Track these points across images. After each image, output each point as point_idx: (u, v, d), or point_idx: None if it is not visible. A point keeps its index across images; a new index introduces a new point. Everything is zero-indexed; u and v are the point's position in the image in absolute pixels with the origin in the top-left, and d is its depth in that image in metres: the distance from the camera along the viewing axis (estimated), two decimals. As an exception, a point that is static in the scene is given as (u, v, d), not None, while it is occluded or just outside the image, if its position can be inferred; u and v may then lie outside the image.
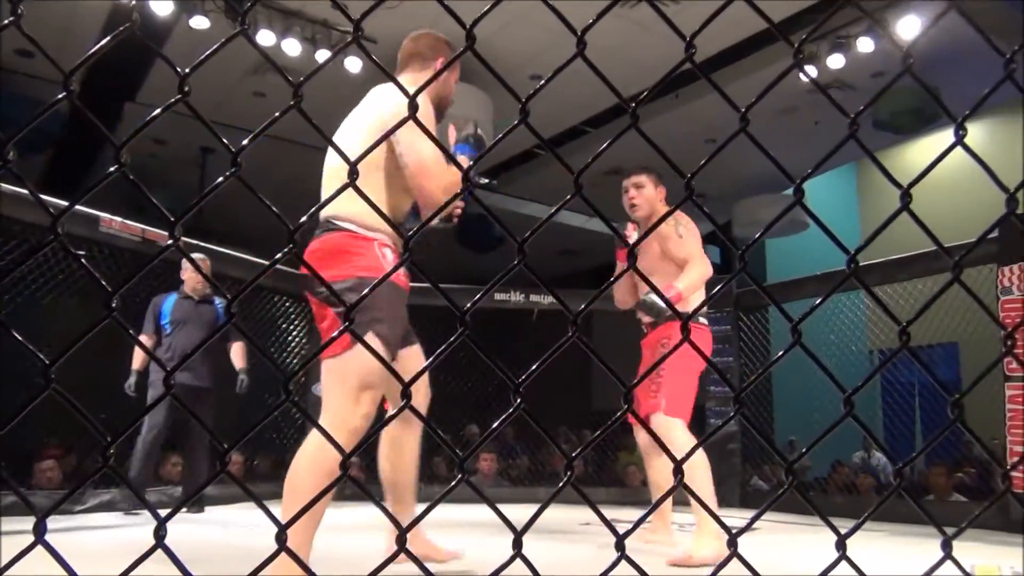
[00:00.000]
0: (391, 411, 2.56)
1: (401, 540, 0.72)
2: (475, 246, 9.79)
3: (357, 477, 5.45)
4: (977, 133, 9.23)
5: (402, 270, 2.21)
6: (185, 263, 4.83)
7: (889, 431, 6.65)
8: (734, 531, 0.80)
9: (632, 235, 3.31)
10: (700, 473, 2.98)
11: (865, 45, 6.74)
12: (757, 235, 0.99)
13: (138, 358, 4.62)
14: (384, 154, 2.22)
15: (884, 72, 7.18)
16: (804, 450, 0.98)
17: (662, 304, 2.71)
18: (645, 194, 3.36)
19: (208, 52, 0.73)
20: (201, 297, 4.93)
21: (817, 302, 0.86)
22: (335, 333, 2.03)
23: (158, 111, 0.74)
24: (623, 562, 0.75)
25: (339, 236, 2.17)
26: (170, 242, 0.68)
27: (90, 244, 4.72)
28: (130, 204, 4.86)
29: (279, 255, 0.75)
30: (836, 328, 5.86)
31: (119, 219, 4.88)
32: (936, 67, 6.09)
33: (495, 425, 0.83)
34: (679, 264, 3.15)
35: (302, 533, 1.92)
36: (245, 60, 7.00)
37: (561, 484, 0.76)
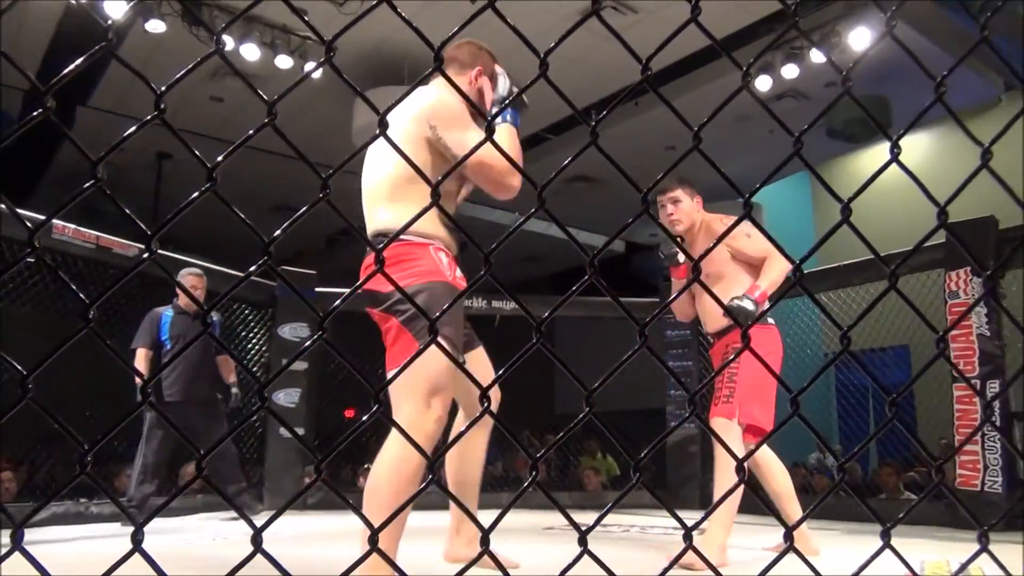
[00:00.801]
0: (461, 413, 2.50)
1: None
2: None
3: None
4: (927, 141, 9.50)
5: (459, 274, 2.19)
6: (181, 277, 4.81)
7: (844, 432, 6.79)
8: (691, 528, 0.82)
9: (679, 255, 3.21)
10: (731, 481, 2.76)
11: (817, 56, 6.91)
12: (711, 245, 1.02)
13: (143, 368, 4.61)
14: (428, 161, 2.18)
15: (836, 83, 7.36)
16: (753, 448, 1.01)
17: (753, 308, 2.76)
18: (684, 208, 3.25)
19: (185, 71, 0.73)
20: (196, 312, 4.91)
21: (765, 308, 0.89)
22: (417, 339, 1.99)
23: (133, 129, 0.74)
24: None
25: (393, 246, 2.08)
26: (146, 255, 0.68)
27: (42, 251, 4.61)
28: (82, 211, 4.77)
29: (254, 267, 0.75)
30: (792, 331, 5.97)
31: (73, 226, 4.79)
32: (886, 77, 6.27)
33: (463, 429, 0.84)
34: (756, 262, 3.08)
35: (389, 539, 1.87)
36: (204, 64, 6.90)
37: (526, 484, 0.77)
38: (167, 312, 4.88)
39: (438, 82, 2.31)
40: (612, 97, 7.86)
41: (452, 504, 2.41)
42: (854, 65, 0.98)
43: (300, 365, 5.87)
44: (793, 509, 3.25)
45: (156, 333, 4.79)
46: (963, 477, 4.56)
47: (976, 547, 0.95)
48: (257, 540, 0.69)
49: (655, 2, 6.39)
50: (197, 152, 0.74)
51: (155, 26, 6.33)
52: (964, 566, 1.15)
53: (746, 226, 2.96)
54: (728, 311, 2.94)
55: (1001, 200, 1.05)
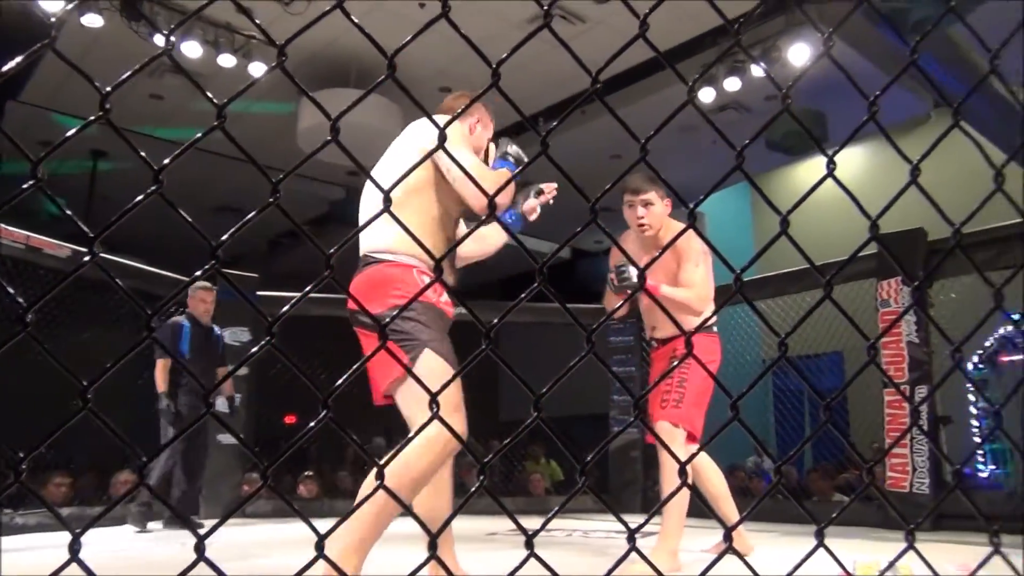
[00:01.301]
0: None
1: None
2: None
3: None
4: (862, 154, 9.83)
5: (445, 298, 2.25)
6: (192, 291, 5.02)
7: (780, 436, 6.97)
8: (634, 531, 0.83)
9: (633, 278, 2.98)
10: (682, 492, 2.83)
11: (758, 70, 7.09)
12: (657, 254, 1.03)
13: (162, 381, 4.80)
14: (424, 181, 2.24)
15: (776, 96, 7.57)
16: (694, 452, 1.03)
17: (635, 279, 2.75)
18: (655, 212, 3.09)
19: (132, 71, 0.71)
20: (207, 325, 5.20)
21: (707, 316, 0.91)
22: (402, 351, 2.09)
23: (75, 131, 0.71)
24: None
25: (377, 268, 2.19)
26: (87, 258, 0.65)
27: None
28: (11, 209, 4.58)
29: (200, 272, 0.73)
30: (733, 338, 6.11)
31: (1, 225, 4.60)
32: (823, 92, 6.46)
33: (410, 435, 0.83)
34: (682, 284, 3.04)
35: (365, 544, 2.06)
36: (142, 61, 6.72)
37: (473, 489, 0.77)
38: (186, 324, 5.06)
39: (442, 118, 2.34)
40: (560, 104, 7.92)
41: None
42: (793, 83, 1.01)
43: (240, 370, 5.76)
44: (729, 510, 3.32)
45: (176, 344, 4.93)
46: (893, 479, 4.72)
47: (904, 546, 0.98)
48: (200, 548, 0.67)
49: (603, 12, 6.47)
50: (139, 152, 0.72)
51: (92, 20, 6.13)
52: (892, 564, 1.19)
53: (699, 256, 3.01)
54: (616, 269, 2.98)
55: (931, 212, 1.10)
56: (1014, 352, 6.90)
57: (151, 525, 4.79)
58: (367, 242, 2.23)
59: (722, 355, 3.35)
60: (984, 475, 6.99)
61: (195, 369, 4.88)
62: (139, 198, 0.69)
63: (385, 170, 2.33)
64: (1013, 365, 6.99)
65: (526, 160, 2.46)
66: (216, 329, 5.30)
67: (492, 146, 2.61)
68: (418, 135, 2.32)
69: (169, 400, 4.79)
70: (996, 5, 4.50)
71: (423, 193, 2.25)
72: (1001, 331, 6.51)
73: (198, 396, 4.71)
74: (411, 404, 2.15)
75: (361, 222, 2.31)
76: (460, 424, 2.12)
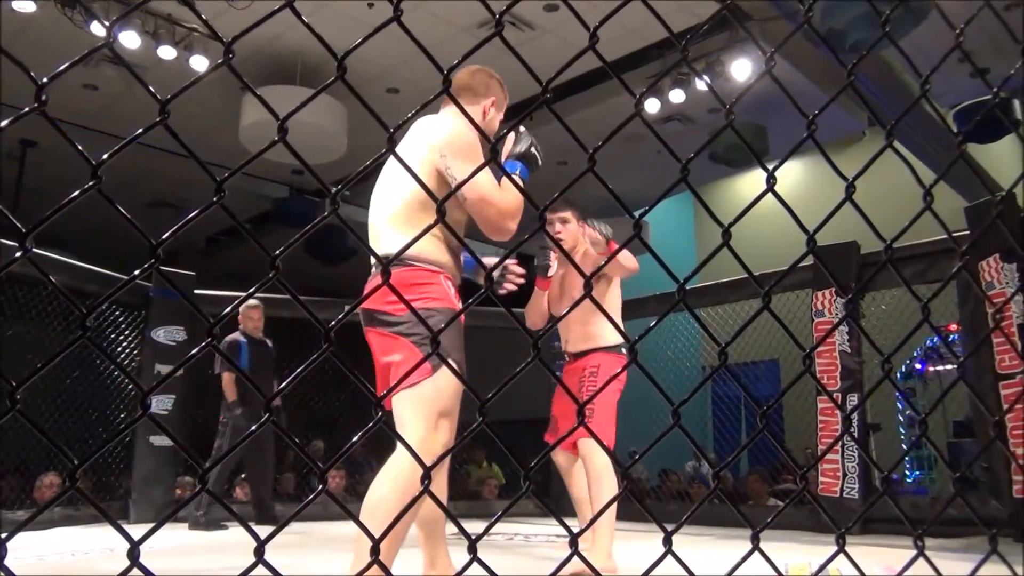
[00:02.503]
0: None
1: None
2: (326, 257, 9.56)
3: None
4: (800, 168, 10.12)
5: (459, 306, 2.15)
6: (242, 309, 5.38)
7: (718, 441, 7.11)
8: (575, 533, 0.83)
9: (553, 263, 3.40)
10: (608, 494, 3.05)
11: (702, 84, 7.24)
12: (603, 263, 1.05)
13: (232, 392, 5.21)
14: (437, 188, 2.13)
15: (719, 109, 7.74)
16: (637, 457, 1.04)
17: (552, 264, 3.29)
18: (570, 229, 3.45)
19: (71, 63, 0.69)
20: (259, 338, 5.54)
21: (651, 324, 0.92)
22: (420, 359, 1.78)
23: (8, 121, 0.68)
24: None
25: (404, 271, 2.09)
26: (19, 253, 0.63)
27: None
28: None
29: (138, 271, 0.71)
30: (673, 345, 6.21)
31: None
32: (764, 107, 6.64)
33: (355, 438, 0.82)
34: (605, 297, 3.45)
35: (388, 552, 1.89)
36: (76, 49, 6.50)
37: (418, 494, 0.77)
38: (243, 340, 5.41)
39: (452, 110, 2.27)
40: (508, 108, 7.94)
41: (422, 540, 2.32)
42: (737, 99, 1.03)
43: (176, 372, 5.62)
44: (588, 513, 3.43)
45: (237, 359, 5.27)
46: (824, 484, 4.86)
47: (835, 549, 1.01)
48: (134, 553, 0.65)
49: (552, 20, 6.52)
50: (77, 147, 0.69)
51: (23, 6, 5.90)
52: (823, 567, 1.23)
53: (614, 278, 3.40)
54: (539, 255, 3.25)
55: (864, 226, 1.14)
56: (939, 363, 7.18)
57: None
58: (387, 245, 2.16)
59: (667, 361, 3.48)
60: (910, 480, 7.25)
61: (257, 381, 4.99)
62: (76, 193, 0.66)
63: (399, 174, 2.23)
64: (938, 375, 7.28)
65: (540, 163, 2.37)
66: (268, 342, 5.61)
67: (511, 137, 2.44)
68: (431, 140, 2.18)
69: (243, 407, 5.19)
70: (928, 29, 4.70)
71: (431, 203, 2.10)
72: (928, 343, 6.77)
73: (258, 406, 4.98)
74: (406, 411, 2.06)
75: (376, 223, 2.24)
76: (447, 432, 2.09)
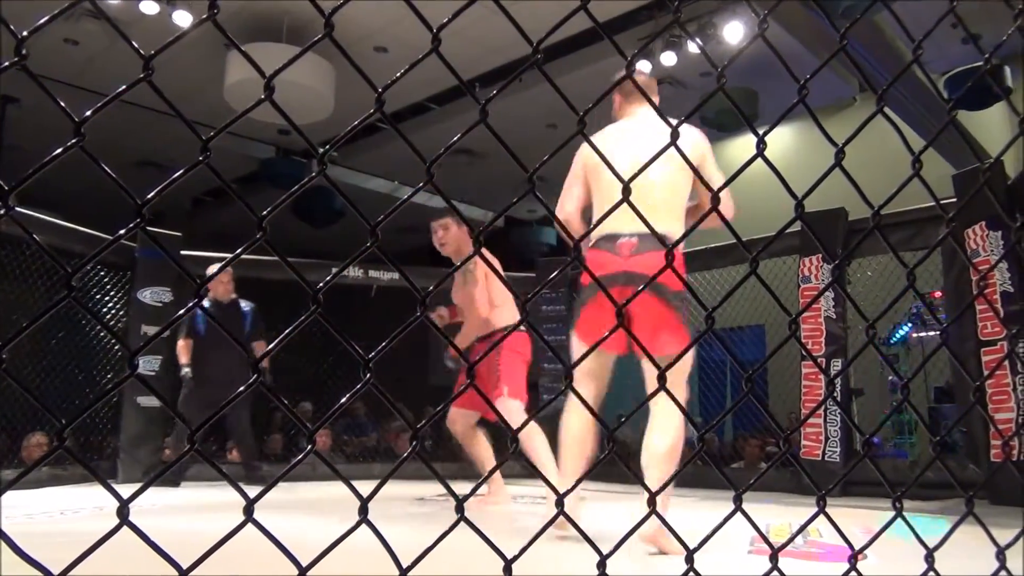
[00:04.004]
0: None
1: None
2: (313, 219, 9.51)
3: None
4: (791, 133, 10.08)
5: None
6: (211, 270, 5.09)
7: (703, 405, 7.18)
8: (563, 494, 0.85)
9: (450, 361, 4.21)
10: (537, 443, 3.50)
11: (694, 46, 7.17)
12: (591, 226, 1.04)
13: (184, 356, 5.30)
14: (690, 186, 2.66)
15: (711, 73, 7.68)
16: (623, 419, 1.06)
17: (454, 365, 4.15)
18: (451, 234, 4.03)
19: (50, 16, 0.67)
20: (228, 301, 5.45)
21: (639, 288, 0.92)
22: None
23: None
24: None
25: (677, 254, 2.43)
26: (2, 212, 0.62)
27: None
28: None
29: (124, 231, 0.70)
30: (660, 310, 6.23)
31: None
32: (755, 71, 6.58)
33: (344, 400, 0.83)
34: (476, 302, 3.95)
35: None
36: (56, 2, 6.35)
37: (407, 453, 0.77)
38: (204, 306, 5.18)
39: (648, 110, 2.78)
40: (497, 70, 7.85)
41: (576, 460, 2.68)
42: (729, 62, 1.02)
43: (163, 333, 5.61)
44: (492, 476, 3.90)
45: (192, 324, 5.29)
46: (807, 447, 4.94)
47: (815, 510, 1.03)
48: (124, 512, 0.65)
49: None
50: (59, 103, 0.68)
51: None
52: (803, 527, 1.25)
53: (481, 278, 3.90)
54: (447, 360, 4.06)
55: (853, 192, 1.14)
56: (923, 329, 7.26)
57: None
58: (664, 225, 2.52)
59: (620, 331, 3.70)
60: (891, 444, 7.38)
61: (211, 345, 5.20)
62: (58, 151, 0.65)
63: (674, 164, 2.45)
64: (922, 341, 7.36)
65: None
66: (242, 305, 5.51)
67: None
68: (699, 150, 2.70)
69: (187, 369, 5.27)
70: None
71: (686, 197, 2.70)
72: (913, 309, 6.83)
73: (215, 371, 5.03)
74: (674, 378, 2.41)
75: (661, 203, 2.57)
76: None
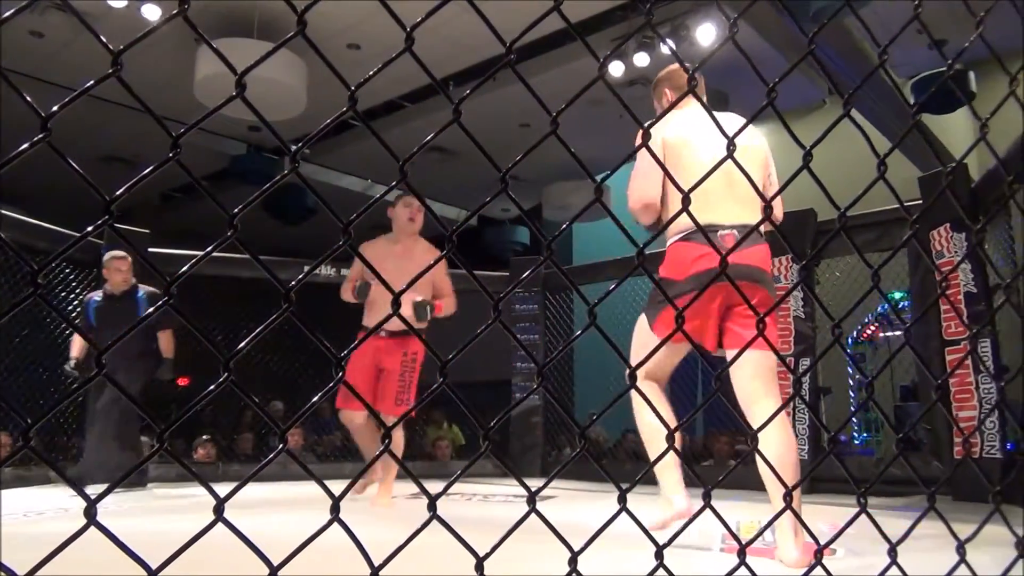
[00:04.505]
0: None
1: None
2: (285, 216, 9.42)
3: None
4: (763, 134, 10.19)
5: None
6: (106, 261, 5.12)
7: (673, 403, 7.24)
8: (534, 494, 0.85)
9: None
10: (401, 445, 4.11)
11: (666, 48, 7.23)
12: (564, 226, 1.05)
13: (76, 349, 5.06)
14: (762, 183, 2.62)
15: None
16: (595, 417, 1.06)
17: (428, 312, 3.87)
18: (421, 217, 4.16)
19: (14, 10, 0.66)
20: (122, 292, 5.20)
21: (611, 288, 0.93)
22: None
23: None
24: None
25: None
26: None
27: None
28: None
29: (91, 228, 0.69)
30: (634, 307, 6.26)
31: None
32: (725, 73, 6.66)
33: (316, 398, 0.82)
34: (442, 293, 4.13)
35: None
36: (21, -6, 6.22)
37: (378, 452, 0.77)
38: (95, 297, 5.18)
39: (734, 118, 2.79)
40: (470, 69, 7.83)
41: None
42: (700, 64, 1.03)
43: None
44: (385, 475, 4.07)
45: (85, 318, 5.15)
46: (775, 445, 5.00)
47: (783, 506, 1.05)
48: (91, 512, 0.64)
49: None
50: (24, 96, 0.67)
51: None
52: (770, 523, 1.27)
53: (445, 267, 4.11)
54: (416, 305, 3.80)
55: (821, 194, 1.16)
56: (889, 329, 7.39)
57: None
58: (755, 220, 2.49)
59: (624, 325, 3.61)
60: (857, 442, 7.50)
61: (101, 338, 4.79)
62: (25, 146, 0.64)
63: (748, 159, 2.54)
64: (888, 341, 7.49)
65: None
66: (139, 294, 5.24)
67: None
68: (762, 146, 2.76)
69: (72, 361, 5.01)
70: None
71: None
72: (879, 309, 6.95)
73: (112, 364, 4.76)
74: (768, 374, 2.46)
75: (744, 197, 2.50)
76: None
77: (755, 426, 2.52)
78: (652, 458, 3.16)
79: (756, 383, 2.41)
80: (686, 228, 2.48)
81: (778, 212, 2.68)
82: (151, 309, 4.89)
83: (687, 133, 2.56)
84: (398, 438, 4.07)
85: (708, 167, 2.51)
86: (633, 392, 2.60)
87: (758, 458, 2.53)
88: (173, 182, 10.65)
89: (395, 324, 3.89)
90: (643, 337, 2.68)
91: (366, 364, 4.00)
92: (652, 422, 2.67)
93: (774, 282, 5.30)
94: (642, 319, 2.72)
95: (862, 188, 1.17)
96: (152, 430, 5.63)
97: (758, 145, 2.74)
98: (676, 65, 2.86)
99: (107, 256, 5.16)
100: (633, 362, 2.58)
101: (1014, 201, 1.86)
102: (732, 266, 2.52)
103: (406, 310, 3.90)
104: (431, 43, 6.94)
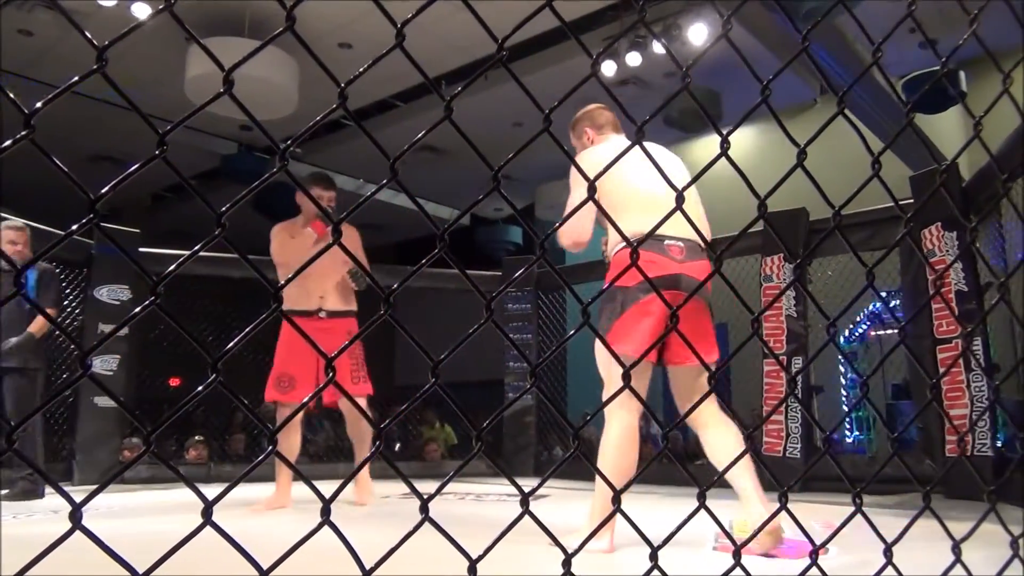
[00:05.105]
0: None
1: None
2: (276, 215, 9.39)
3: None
4: (753, 134, 10.22)
5: None
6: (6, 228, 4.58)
7: (667, 402, 7.25)
8: (528, 495, 0.84)
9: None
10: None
11: (658, 47, 7.24)
12: (556, 225, 1.05)
13: None
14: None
15: (675, 73, 7.75)
16: (589, 417, 1.06)
17: (363, 279, 3.79)
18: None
19: (3, 3, 0.65)
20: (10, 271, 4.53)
21: (604, 287, 0.92)
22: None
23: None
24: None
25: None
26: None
27: None
28: None
29: (76, 226, 0.68)
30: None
31: None
32: (718, 72, 6.66)
33: (306, 398, 0.81)
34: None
35: None
36: (10, -7, 6.18)
37: (371, 453, 0.76)
38: None
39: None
40: (462, 68, 7.83)
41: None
42: (693, 63, 1.03)
43: (121, 331, 5.49)
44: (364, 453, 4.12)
45: None
46: (768, 444, 5.01)
47: (777, 506, 1.05)
48: (76, 516, 0.63)
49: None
50: (4, 90, 0.66)
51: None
52: (765, 523, 1.27)
53: (357, 240, 4.02)
54: (352, 272, 3.77)
55: (814, 192, 1.15)
56: (881, 328, 7.41)
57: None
58: (706, 232, 2.59)
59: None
60: (850, 441, 7.52)
61: None
62: (7, 143, 0.63)
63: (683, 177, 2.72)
64: (880, 339, 7.52)
65: None
66: (30, 276, 4.61)
67: None
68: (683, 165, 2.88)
69: None
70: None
71: None
72: (871, 308, 6.98)
73: None
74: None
75: (691, 212, 2.51)
76: None
77: (698, 424, 2.68)
78: (599, 498, 2.77)
79: (702, 379, 2.65)
80: (636, 237, 2.50)
81: (706, 232, 2.71)
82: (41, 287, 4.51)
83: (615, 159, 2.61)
84: (367, 426, 4.09)
85: (640, 187, 2.60)
86: (607, 428, 2.61)
87: (715, 454, 2.58)
88: (164, 182, 10.61)
89: (329, 304, 3.99)
90: (608, 359, 2.54)
91: (304, 348, 3.84)
92: (614, 464, 2.56)
93: (765, 281, 5.38)
94: (599, 349, 2.54)
95: (852, 188, 1.17)
96: (140, 431, 5.60)
97: (680, 166, 2.91)
98: (594, 104, 3.02)
99: (3, 226, 4.64)
100: (612, 389, 2.57)
101: (1008, 199, 1.87)
102: (682, 276, 2.52)
103: (343, 282, 3.99)
104: (423, 42, 6.93)
